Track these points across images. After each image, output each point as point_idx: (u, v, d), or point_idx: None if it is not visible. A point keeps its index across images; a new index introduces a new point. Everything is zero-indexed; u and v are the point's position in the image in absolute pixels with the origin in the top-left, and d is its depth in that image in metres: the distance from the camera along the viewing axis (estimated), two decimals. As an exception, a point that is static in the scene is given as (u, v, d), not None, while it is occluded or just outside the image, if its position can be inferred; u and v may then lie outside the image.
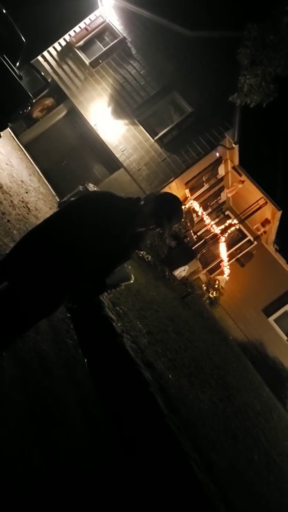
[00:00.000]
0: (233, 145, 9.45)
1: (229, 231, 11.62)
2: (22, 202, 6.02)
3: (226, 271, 12.02)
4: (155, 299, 6.78)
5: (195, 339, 7.01)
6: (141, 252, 8.21)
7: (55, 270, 1.74)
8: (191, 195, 11.00)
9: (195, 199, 11.18)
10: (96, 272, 1.84)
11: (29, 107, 4.64)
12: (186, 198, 10.84)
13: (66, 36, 11.38)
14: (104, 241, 1.80)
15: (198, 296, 10.29)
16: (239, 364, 9.20)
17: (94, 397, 3.53)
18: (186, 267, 10.27)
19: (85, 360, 3.89)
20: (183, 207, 2.00)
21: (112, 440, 3.23)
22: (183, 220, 9.87)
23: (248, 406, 6.89)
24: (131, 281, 1.98)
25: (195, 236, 11.35)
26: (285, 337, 12.89)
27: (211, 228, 11.39)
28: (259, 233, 12.54)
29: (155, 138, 10.09)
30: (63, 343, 3.76)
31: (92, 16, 11.34)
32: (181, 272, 10.12)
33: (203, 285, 11.91)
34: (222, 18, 9.81)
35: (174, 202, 1.95)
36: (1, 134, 4.61)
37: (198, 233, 11.80)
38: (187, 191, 10.79)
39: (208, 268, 12.20)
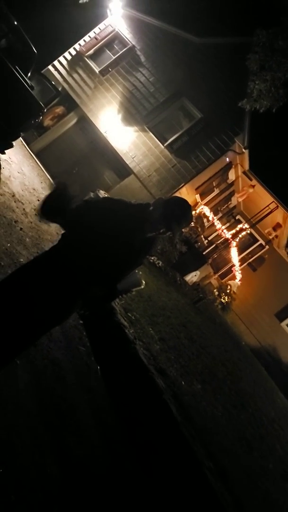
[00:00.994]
0: (243, 150, 9.43)
1: (240, 235, 11.56)
2: (35, 210, 6.09)
3: (238, 275, 11.94)
4: (167, 305, 6.77)
5: (208, 345, 6.96)
6: (152, 258, 8.22)
7: (67, 277, 1.76)
8: (201, 200, 10.99)
9: (206, 204, 11.17)
10: (107, 278, 1.85)
11: (41, 117, 4.71)
12: (196, 203, 10.84)
13: (76, 46, 11.56)
14: (114, 247, 1.81)
15: (210, 302, 10.23)
16: (253, 370, 9.10)
17: (108, 405, 3.53)
18: (198, 272, 10.24)
19: (98, 367, 3.90)
20: (192, 210, 2.00)
21: (126, 448, 3.22)
22: (193, 224, 9.87)
23: (262, 413, 6.80)
24: (142, 287, 1.99)
25: (206, 241, 11.32)
26: (298, 342, 12.70)
27: (222, 233, 11.35)
28: (270, 237, 12.44)
29: (165, 144, 10.14)
30: (76, 350, 3.78)
31: (101, 26, 11.51)
32: (193, 277, 10.08)
33: (215, 290, 11.83)
34: (231, 25, 9.85)
35: (183, 205, 1.96)
36: (13, 144, 4.67)
37: (209, 238, 11.76)
38: (197, 196, 10.78)
39: (220, 273, 12.14)
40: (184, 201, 2.04)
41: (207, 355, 6.45)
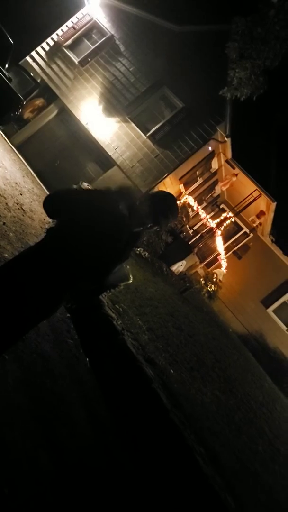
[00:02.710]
0: (225, 138, 9.46)
1: (224, 224, 11.66)
2: (17, 204, 6.00)
3: (224, 264, 12.07)
4: (154, 295, 6.81)
5: (195, 333, 7.05)
6: (138, 249, 8.22)
7: (54, 272, 1.75)
8: (185, 190, 11.02)
9: (190, 193, 11.20)
10: (95, 273, 1.85)
11: (20, 109, 4.63)
12: (180, 193, 10.86)
13: (54, 36, 11.32)
14: (101, 242, 1.81)
15: (196, 291, 10.33)
16: (240, 356, 9.26)
17: (98, 396, 3.55)
18: (184, 262, 10.30)
19: (87, 359, 3.91)
20: (178, 204, 2.01)
21: (118, 438, 3.26)
22: (179, 216, 9.89)
23: (250, 398, 6.94)
24: (130, 281, 2.00)
25: (191, 231, 11.38)
26: (284, 327, 12.97)
27: (207, 222, 11.42)
28: (254, 225, 12.59)
29: (147, 135, 10.08)
30: (65, 343, 3.78)
31: (79, 15, 11.28)
32: (179, 267, 10.14)
33: (201, 279, 11.95)
34: (209, 12, 9.79)
35: (170, 200, 1.98)
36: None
37: (194, 228, 11.83)
38: (181, 186, 10.80)
39: (206, 262, 12.25)
40: (170, 196, 2.06)
41: (195, 343, 6.53)
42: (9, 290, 1.70)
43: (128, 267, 2.00)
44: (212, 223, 11.41)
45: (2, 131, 10.59)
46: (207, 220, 11.36)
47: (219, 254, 12.01)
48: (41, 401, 2.78)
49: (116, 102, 10.51)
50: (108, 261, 1.86)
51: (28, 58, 11.20)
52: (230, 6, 8.08)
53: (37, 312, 1.80)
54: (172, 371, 4.61)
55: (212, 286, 11.83)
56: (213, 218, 11.84)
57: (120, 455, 3.12)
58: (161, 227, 1.95)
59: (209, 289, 11.70)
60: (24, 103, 5.08)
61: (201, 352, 6.40)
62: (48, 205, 1.85)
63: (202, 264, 12.29)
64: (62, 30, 11.29)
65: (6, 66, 5.06)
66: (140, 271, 7.44)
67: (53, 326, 3.86)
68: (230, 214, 11.83)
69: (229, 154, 10.30)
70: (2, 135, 10.47)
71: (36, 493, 2.09)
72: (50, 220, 1.98)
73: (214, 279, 12.02)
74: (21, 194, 6.61)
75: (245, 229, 13.23)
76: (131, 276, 1.99)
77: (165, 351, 4.97)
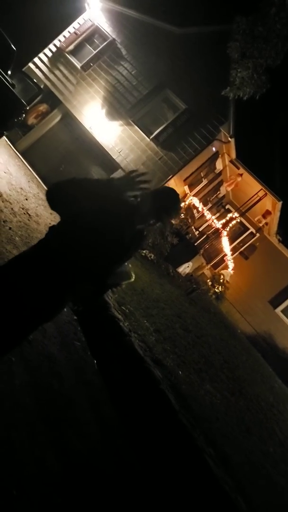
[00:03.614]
0: (229, 138, 9.44)
1: (230, 225, 11.61)
2: (23, 209, 6.05)
3: (230, 265, 12.01)
4: (161, 297, 6.79)
5: (203, 334, 7.01)
6: (144, 251, 8.22)
7: (56, 272, 1.74)
8: (190, 191, 11.00)
9: (195, 195, 11.18)
10: (97, 273, 1.85)
11: (24, 115, 4.67)
12: (185, 195, 10.84)
13: (56, 42, 11.42)
14: (105, 241, 1.80)
15: (203, 292, 10.28)
16: (249, 357, 9.19)
17: (106, 398, 3.54)
18: (190, 263, 10.27)
19: (95, 361, 3.91)
20: (180, 199, 1.99)
21: (126, 439, 3.24)
22: (183, 215, 9.89)
23: (260, 399, 6.88)
24: (132, 280, 1.98)
25: (197, 232, 11.35)
26: (293, 328, 12.85)
27: (213, 223, 11.39)
28: (260, 225, 12.52)
29: (151, 137, 10.10)
30: (72, 345, 3.78)
31: (80, 20, 11.37)
32: (185, 268, 10.11)
33: (208, 281, 11.90)
34: (210, 13, 9.80)
35: (172, 195, 1.96)
36: (-3, 143, 4.63)
37: (200, 229, 11.80)
38: (186, 187, 10.79)
39: (212, 263, 12.20)
40: (172, 191, 2.03)
41: (203, 344, 6.50)
42: (10, 290, 1.70)
43: (130, 265, 1.99)
44: (218, 224, 11.38)
45: (7, 137, 10.68)
46: (212, 221, 11.33)
47: (225, 255, 11.96)
48: (48, 402, 2.78)
49: (119, 106, 10.55)
50: (110, 261, 1.85)
51: (31, 64, 11.31)
52: (230, 6, 8.08)
53: (39, 314, 1.79)
54: (180, 372, 4.59)
55: (219, 287, 11.77)
56: (218, 219, 11.80)
57: (128, 456, 3.10)
58: (164, 224, 1.94)
59: (216, 290, 11.65)
60: (28, 108, 5.11)
61: (209, 353, 6.36)
62: (50, 197, 1.83)
63: (209, 265, 12.25)
64: (64, 36, 11.38)
65: (9, 72, 5.10)
66: (146, 273, 7.43)
67: (60, 329, 3.87)
68: (236, 215, 11.78)
69: (233, 155, 10.28)
70: (7, 141, 10.56)
71: (43, 494, 2.09)
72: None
73: (221, 280, 11.96)
74: (26, 199, 6.66)
75: (251, 229, 13.16)
76: (133, 274, 1.98)
77: (172, 353, 4.95)
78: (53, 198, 1.82)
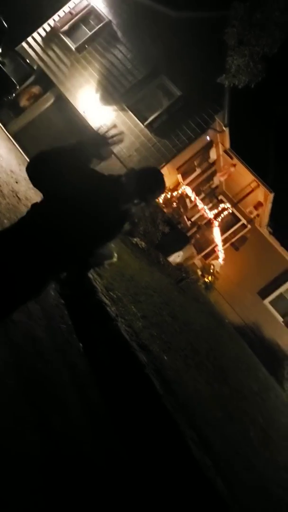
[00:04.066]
0: (224, 128, 9.38)
1: (222, 215, 11.62)
2: (12, 191, 5.96)
3: (221, 255, 12.05)
4: (150, 284, 6.80)
5: (191, 322, 7.07)
6: (135, 239, 8.20)
7: (36, 250, 1.72)
8: (183, 180, 10.95)
9: (188, 184, 11.14)
10: (79, 251, 1.83)
11: (14, 94, 4.56)
12: (178, 184, 10.80)
13: (50, 21, 11.12)
14: (89, 221, 1.77)
15: (193, 281, 10.32)
16: (235, 346, 9.31)
17: (91, 381, 3.56)
18: (181, 252, 10.28)
19: (81, 344, 3.92)
20: (164, 178, 1.99)
21: (110, 423, 3.27)
22: (175, 204, 9.87)
23: (244, 387, 6.99)
24: (114, 260, 1.97)
25: (189, 222, 11.34)
26: (280, 319, 13.02)
27: (205, 213, 11.38)
28: (252, 216, 12.55)
29: (145, 123, 9.99)
30: (58, 328, 3.78)
31: (76, 0, 11.08)
32: (176, 257, 10.13)
33: (198, 270, 11.94)
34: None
35: (156, 174, 1.95)
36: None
37: (192, 219, 11.78)
38: (179, 176, 10.73)
39: (203, 253, 12.22)
40: (156, 170, 2.03)
41: (190, 332, 6.56)
42: None
43: (113, 245, 1.98)
44: (210, 214, 11.37)
45: (-2, 118, 10.48)
46: (204, 211, 11.32)
47: (216, 245, 11.99)
48: (33, 384, 2.78)
49: (113, 90, 10.38)
50: (93, 240, 1.84)
51: (24, 44, 11.01)
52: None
53: (21, 291, 1.77)
54: (166, 358, 4.63)
55: (209, 277, 11.83)
56: (211, 209, 11.79)
57: (112, 440, 3.13)
58: (148, 203, 1.92)
59: (206, 280, 11.71)
60: (19, 88, 5.01)
61: (196, 341, 6.43)
62: (31, 175, 1.80)
63: (200, 255, 12.27)
64: (58, 16, 11.08)
65: (0, 50, 4.96)
66: (136, 261, 7.42)
67: (46, 311, 3.85)
68: (228, 205, 11.78)
69: (228, 144, 10.21)
70: (-3, 123, 10.36)
71: (25, 477, 2.09)
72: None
73: (211, 270, 12.02)
74: (16, 182, 6.56)
75: (243, 221, 13.17)
76: (115, 254, 1.97)
77: (159, 339, 4.99)
78: (34, 175, 1.79)
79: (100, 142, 1.85)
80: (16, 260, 1.72)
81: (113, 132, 1.86)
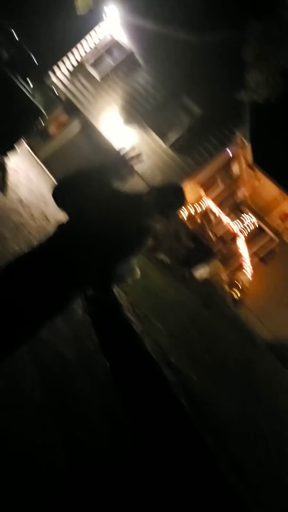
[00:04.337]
0: (245, 142, 9.39)
1: (248, 229, 11.50)
2: (42, 214, 6.19)
3: (249, 270, 11.86)
4: (176, 300, 6.79)
5: (219, 339, 6.95)
6: (160, 255, 8.25)
7: (62, 269, 1.78)
8: (206, 196, 10.98)
9: (211, 199, 11.14)
10: (102, 268, 1.88)
11: (43, 123, 4.82)
12: (202, 199, 10.83)
13: (77, 55, 11.73)
14: (109, 238, 1.82)
15: (220, 297, 10.19)
16: (268, 363, 9.02)
17: (118, 400, 3.57)
18: (207, 268, 10.21)
19: (107, 363, 3.95)
20: (185, 193, 2.04)
21: (137, 443, 3.25)
22: (199, 220, 9.87)
23: (279, 406, 6.74)
24: (137, 276, 2.01)
25: (214, 237, 11.28)
26: (315, 334, 12.52)
27: (230, 227, 11.30)
28: (280, 229, 12.33)
29: (167, 143, 10.17)
30: (85, 346, 3.84)
31: (101, 35, 11.65)
32: (202, 273, 10.06)
33: (226, 286, 11.78)
34: (226, 19, 9.84)
35: (176, 189, 1.99)
36: (18, 150, 4.79)
37: (217, 234, 11.72)
38: (202, 191, 10.77)
39: (230, 268, 12.08)
40: (176, 185, 2.06)
41: (219, 349, 6.44)
42: (18, 287, 1.75)
43: (135, 261, 2.02)
44: (235, 229, 11.29)
45: (29, 145, 11.00)
46: (230, 225, 11.25)
47: (243, 259, 11.83)
48: (60, 402, 2.83)
49: (136, 113, 10.69)
50: (115, 256, 1.89)
51: (53, 77, 11.65)
52: (246, 12, 8.07)
53: (47, 310, 1.84)
54: (194, 376, 4.57)
55: (237, 292, 11.64)
56: (236, 223, 11.71)
57: (139, 461, 3.10)
58: (169, 217, 1.97)
59: (234, 295, 11.52)
60: (48, 118, 5.28)
61: (226, 358, 6.30)
62: (56, 198, 1.89)
63: (226, 270, 12.13)
64: (85, 51, 11.68)
65: (30, 82, 5.26)
66: (161, 277, 7.44)
67: (74, 329, 3.93)
68: (254, 219, 11.66)
69: (250, 158, 10.20)
70: (28, 150, 10.86)
71: (50, 494, 2.12)
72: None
73: (239, 285, 11.83)
74: (46, 205, 6.82)
75: (270, 234, 12.96)
76: (138, 271, 2.01)
77: (187, 357, 4.94)
78: (59, 198, 1.88)
79: (120, 164, 1.90)
80: (43, 278, 1.77)
81: (132, 153, 1.91)
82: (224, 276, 12.25)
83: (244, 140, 9.43)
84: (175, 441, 3.46)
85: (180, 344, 5.14)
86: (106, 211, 1.83)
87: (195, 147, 9.92)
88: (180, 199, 1.97)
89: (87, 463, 2.56)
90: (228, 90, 8.97)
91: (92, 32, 11.60)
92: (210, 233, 10.87)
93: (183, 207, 2.02)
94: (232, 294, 11.51)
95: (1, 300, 1.74)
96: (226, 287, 11.80)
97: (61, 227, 1.90)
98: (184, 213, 9.70)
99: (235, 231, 11.24)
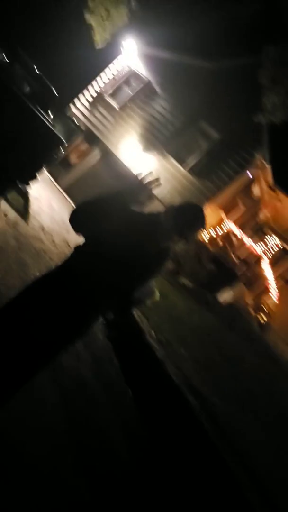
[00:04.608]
0: (265, 164, 9.39)
1: (272, 251, 11.29)
2: (64, 241, 6.32)
3: (274, 292, 11.56)
4: (199, 325, 6.66)
5: (245, 364, 6.73)
6: (181, 279, 8.19)
7: (80, 292, 1.77)
8: (227, 218, 10.93)
9: (233, 221, 11.08)
10: (120, 291, 1.87)
11: (62, 150, 5.01)
12: (222, 222, 10.79)
13: (96, 87, 12.27)
14: (130, 259, 1.81)
15: (245, 320, 9.93)
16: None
17: (140, 426, 3.48)
18: (230, 291, 10.03)
19: (129, 388, 3.88)
20: (204, 213, 2.00)
21: (159, 470, 3.14)
22: (221, 242, 9.79)
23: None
24: (156, 298, 1.99)
25: (236, 259, 11.13)
26: None
27: (253, 249, 11.14)
28: (305, 250, 12.05)
29: (186, 167, 10.31)
30: (106, 371, 3.80)
31: (118, 66, 12.18)
32: (226, 296, 9.88)
33: (251, 309, 11.50)
34: (241, 46, 10.11)
35: (194, 210, 1.95)
36: (39, 179, 4.97)
37: (240, 256, 11.57)
38: (223, 214, 10.75)
39: (255, 291, 11.82)
40: (195, 205, 2.01)
41: (245, 375, 6.22)
42: (35, 311, 1.75)
43: (153, 283, 2.00)
44: (259, 250, 11.12)
45: (50, 174, 11.41)
46: (252, 247, 11.10)
47: (268, 282, 11.57)
48: (80, 428, 2.78)
49: (155, 140, 10.95)
50: (134, 279, 1.87)
51: (74, 108, 12.18)
52: (261, 37, 8.27)
53: (65, 334, 1.82)
54: (219, 402, 4.42)
55: (263, 316, 11.32)
56: (259, 245, 11.54)
57: (161, 487, 2.98)
58: (188, 239, 1.91)
59: (260, 319, 11.20)
60: (69, 147, 5.50)
61: (252, 385, 6.07)
62: (73, 223, 1.90)
63: (251, 293, 11.87)
64: (104, 83, 12.22)
65: (51, 113, 5.51)
66: (183, 301, 7.36)
67: (95, 354, 3.90)
68: (277, 240, 11.47)
69: (271, 180, 10.16)
70: (50, 179, 11.25)
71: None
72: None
73: (265, 309, 11.51)
74: (68, 232, 6.97)
75: (295, 255, 12.69)
76: (157, 292, 1.99)
77: (212, 383, 4.79)
78: (75, 222, 1.90)
79: (137, 188, 1.91)
80: (61, 301, 1.77)
81: (149, 178, 1.92)
82: (249, 299, 11.98)
83: (264, 162, 9.43)
84: (199, 468, 3.32)
85: (203, 369, 5.00)
86: (123, 234, 1.82)
87: (214, 171, 9.99)
88: (199, 220, 1.92)
89: (108, 491, 2.48)
90: (245, 114, 9.08)
91: (110, 65, 12.17)
92: (233, 256, 10.74)
93: (202, 228, 1.97)
94: (258, 318, 11.20)
95: (20, 324, 1.73)
96: (252, 311, 11.51)
97: (77, 249, 1.92)
98: (205, 236, 9.66)
99: (259, 253, 11.06)
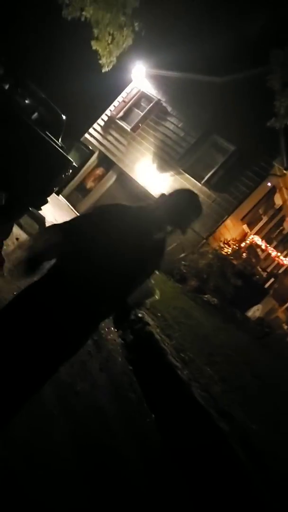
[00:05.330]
0: (284, 171, 9.09)
1: (300, 261, 10.78)
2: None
3: (307, 305, 10.95)
4: (226, 342, 6.30)
5: (280, 383, 6.25)
6: (205, 296, 7.88)
7: (74, 299, 1.62)
8: (250, 230, 10.58)
9: (256, 233, 10.71)
10: (116, 293, 1.70)
11: (70, 170, 4.99)
12: (245, 234, 10.44)
13: (107, 111, 12.51)
14: (120, 259, 1.65)
15: (279, 336, 9.38)
16: None
17: (164, 455, 3.18)
18: (259, 306, 9.57)
19: (152, 414, 3.60)
20: (198, 199, 1.83)
21: (188, 503, 2.82)
22: (245, 255, 9.44)
23: None
24: (156, 297, 1.80)
25: (264, 272, 10.68)
26: None
27: (280, 261, 10.68)
28: None
29: (202, 182, 10.15)
30: (125, 397, 3.55)
31: (128, 89, 12.41)
32: (255, 312, 9.43)
33: (284, 324, 10.90)
34: (248, 56, 10.07)
35: (188, 197, 1.79)
36: (48, 200, 4.95)
37: (267, 269, 11.11)
38: (245, 226, 10.42)
39: (285, 304, 11.24)
40: (188, 192, 1.86)
41: (281, 394, 5.76)
42: (26, 321, 1.60)
43: (152, 282, 1.81)
44: (286, 261, 10.64)
45: (68, 200, 11.60)
46: (279, 258, 10.64)
47: (299, 293, 10.99)
48: (96, 462, 2.53)
49: (169, 158, 10.91)
50: (130, 278, 1.70)
51: (87, 134, 12.46)
52: (268, 44, 8.18)
53: (61, 344, 1.66)
54: (253, 426, 4.03)
55: (297, 329, 10.68)
56: (286, 256, 11.06)
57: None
58: (183, 229, 1.75)
59: (294, 334, 10.57)
60: (77, 167, 5.49)
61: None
62: (64, 234, 1.71)
63: (283, 307, 11.29)
64: (114, 106, 12.44)
65: (60, 137, 5.53)
66: (208, 318, 7.03)
67: (113, 379, 3.68)
68: (305, 250, 10.96)
69: (292, 187, 9.82)
70: (68, 205, 11.39)
71: None
72: None
73: (298, 322, 10.88)
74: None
75: None
76: (157, 291, 1.80)
77: (242, 403, 4.42)
78: (66, 235, 1.73)
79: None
80: (52, 310, 1.63)
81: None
82: (280, 313, 11.40)
83: (283, 169, 9.14)
84: (232, 500, 2.97)
85: (234, 389, 4.63)
86: (116, 232, 1.66)
87: (233, 184, 9.79)
88: (193, 209, 1.76)
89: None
90: (258, 122, 8.90)
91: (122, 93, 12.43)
92: (259, 269, 10.31)
93: (198, 216, 1.78)
94: (291, 332, 10.58)
95: (20, 337, 1.59)
96: (284, 326, 10.91)
97: (66, 252, 1.75)
98: (228, 249, 9.36)
99: (286, 263, 10.58)
